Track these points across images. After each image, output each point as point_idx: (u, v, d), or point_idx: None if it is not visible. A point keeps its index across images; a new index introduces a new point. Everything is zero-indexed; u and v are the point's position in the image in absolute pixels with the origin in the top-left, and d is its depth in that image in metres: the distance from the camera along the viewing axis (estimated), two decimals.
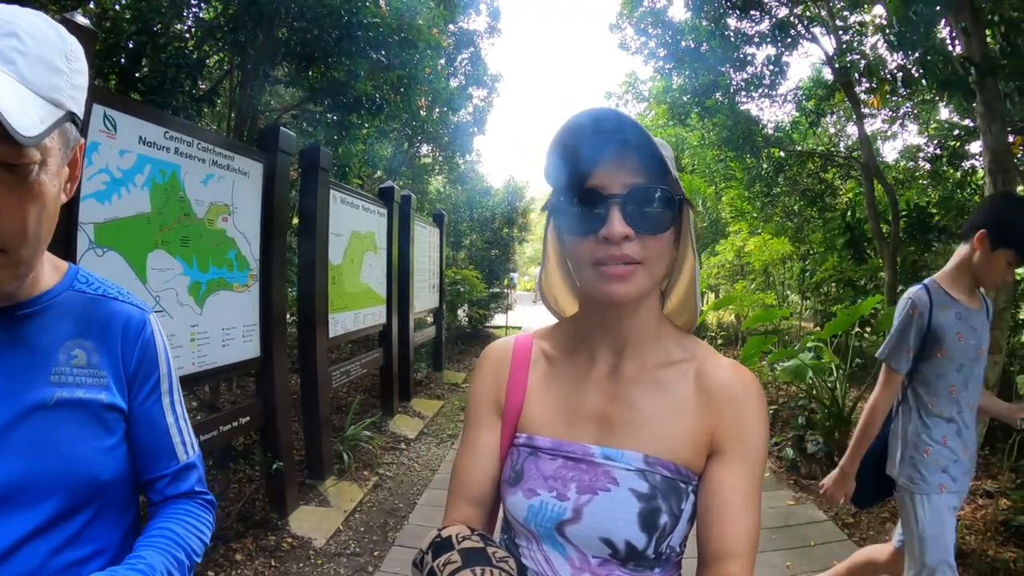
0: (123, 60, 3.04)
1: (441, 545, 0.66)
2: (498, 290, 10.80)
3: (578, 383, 0.78)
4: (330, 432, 3.70)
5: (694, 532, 0.72)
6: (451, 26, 7.77)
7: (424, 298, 6.50)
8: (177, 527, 0.77)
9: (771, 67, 6.74)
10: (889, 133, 10.18)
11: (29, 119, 0.53)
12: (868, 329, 5.71)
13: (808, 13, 6.23)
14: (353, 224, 4.23)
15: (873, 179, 5.68)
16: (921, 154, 8.29)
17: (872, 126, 9.30)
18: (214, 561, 2.58)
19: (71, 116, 0.61)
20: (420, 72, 4.83)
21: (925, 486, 1.72)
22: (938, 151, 6.30)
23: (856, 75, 5.41)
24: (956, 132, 5.89)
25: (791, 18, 6.08)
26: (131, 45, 3.02)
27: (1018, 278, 4.06)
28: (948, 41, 3.92)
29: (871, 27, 6.11)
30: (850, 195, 7.88)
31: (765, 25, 6.19)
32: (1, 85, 0.53)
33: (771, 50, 6.50)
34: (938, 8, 3.56)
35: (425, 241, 6.63)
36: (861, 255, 5.96)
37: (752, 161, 7.73)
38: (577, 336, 0.81)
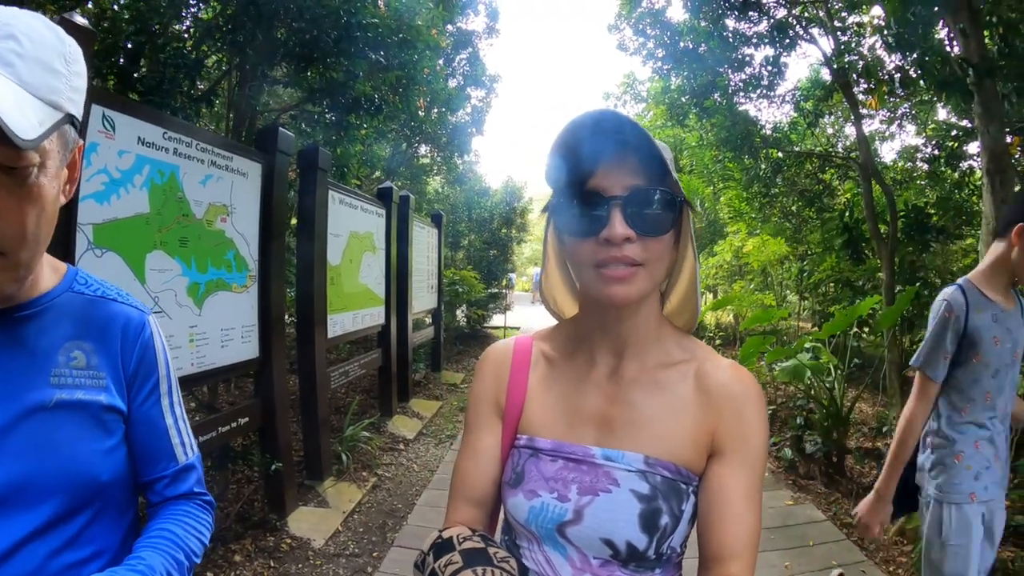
0: (122, 60, 3.03)
1: (442, 546, 0.67)
2: (496, 290, 10.79)
3: (578, 384, 0.78)
4: (329, 433, 3.70)
5: (695, 532, 0.72)
6: (449, 26, 7.77)
7: (422, 298, 6.49)
8: (176, 528, 0.77)
9: (769, 68, 6.74)
10: (887, 134, 10.19)
11: (28, 122, 0.53)
12: (866, 329, 5.72)
13: (806, 14, 6.24)
14: (352, 224, 4.23)
15: (871, 180, 5.68)
16: (919, 155, 8.30)
17: (870, 127, 9.31)
18: (213, 562, 2.57)
19: (70, 118, 0.61)
20: (419, 72, 4.83)
21: (955, 495, 1.61)
22: (936, 152, 6.30)
23: (854, 76, 5.41)
24: (954, 133, 5.90)
25: (789, 19, 6.08)
26: (130, 45, 3.01)
27: None
28: (946, 42, 3.92)
29: (869, 28, 6.12)
30: (848, 196, 7.87)
31: (763, 26, 6.20)
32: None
33: (769, 51, 6.51)
34: (936, 9, 3.57)
35: (423, 241, 6.63)
36: (859, 255, 5.95)
37: (750, 162, 7.74)
38: (577, 337, 0.81)
